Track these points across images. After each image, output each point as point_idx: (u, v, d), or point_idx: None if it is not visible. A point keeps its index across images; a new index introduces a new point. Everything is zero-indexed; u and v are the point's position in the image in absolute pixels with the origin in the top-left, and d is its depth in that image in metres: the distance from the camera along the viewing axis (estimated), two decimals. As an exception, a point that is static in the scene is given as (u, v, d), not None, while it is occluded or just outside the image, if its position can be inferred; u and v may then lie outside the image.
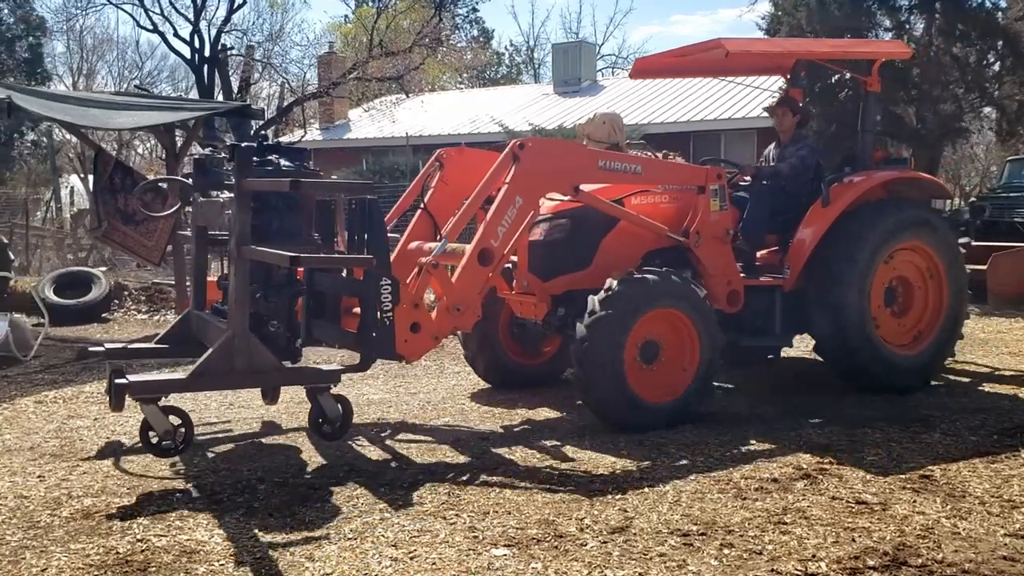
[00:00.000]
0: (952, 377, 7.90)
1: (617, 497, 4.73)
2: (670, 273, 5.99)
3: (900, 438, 5.80)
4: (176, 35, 24.27)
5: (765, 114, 8.05)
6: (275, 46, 28.67)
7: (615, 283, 5.85)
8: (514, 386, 7.26)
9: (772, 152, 7.62)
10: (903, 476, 5.01)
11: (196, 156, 5.93)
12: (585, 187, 6.34)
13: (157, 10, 23.93)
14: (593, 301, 5.82)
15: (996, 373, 8.08)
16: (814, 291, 6.82)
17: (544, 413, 6.65)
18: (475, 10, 48.82)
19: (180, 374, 5.29)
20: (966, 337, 8.02)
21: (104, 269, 14.25)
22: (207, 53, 23.69)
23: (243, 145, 5.14)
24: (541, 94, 28.82)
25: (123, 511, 4.53)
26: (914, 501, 4.61)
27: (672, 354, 6.06)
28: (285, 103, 26.89)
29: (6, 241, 12.00)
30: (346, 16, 40.63)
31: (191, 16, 23.64)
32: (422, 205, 6.71)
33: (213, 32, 24.16)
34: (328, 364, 5.74)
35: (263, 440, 5.92)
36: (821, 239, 6.79)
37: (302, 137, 25.48)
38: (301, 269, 5.66)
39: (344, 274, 5.80)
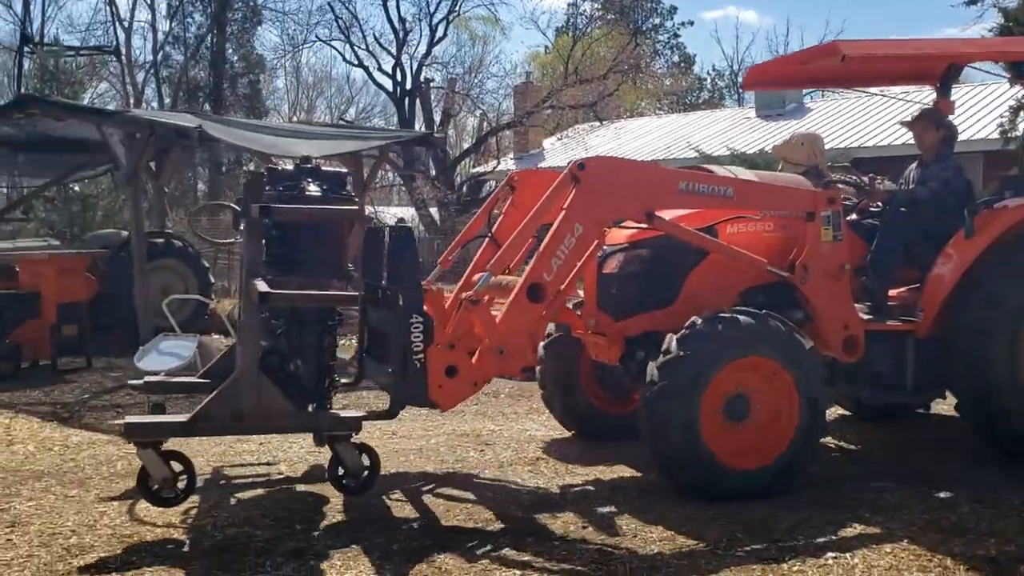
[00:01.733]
0: None
1: (795, 567, 4.10)
2: (765, 315, 5.13)
3: None
4: (380, 69, 25.28)
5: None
6: (475, 77, 29.31)
7: (697, 323, 5.05)
8: (598, 436, 6.42)
9: (913, 173, 6.56)
10: None
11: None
12: (669, 213, 5.58)
13: (363, 45, 25.00)
14: (668, 342, 5.03)
15: None
16: (953, 339, 5.72)
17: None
18: (676, 35, 48.25)
19: (181, 417, 4.79)
20: None
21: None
22: (408, 86, 24.47)
23: (259, 170, 4.82)
24: (743, 118, 27.71)
25: (260, 545, 4.36)
26: None
27: (765, 412, 5.14)
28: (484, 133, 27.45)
29: (207, 265, 12.64)
30: (546, 47, 41.12)
31: (394, 50, 24.54)
32: (489, 234, 6.01)
33: (415, 66, 24.96)
34: (349, 410, 5.18)
35: (407, 474, 5.67)
36: (963, 277, 5.69)
37: (495, 167, 25.76)
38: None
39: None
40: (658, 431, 4.96)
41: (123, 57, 30.00)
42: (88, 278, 10.25)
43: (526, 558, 4.26)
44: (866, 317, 5.81)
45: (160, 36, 32.10)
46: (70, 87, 17.29)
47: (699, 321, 5.04)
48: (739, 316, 5.07)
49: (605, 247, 5.77)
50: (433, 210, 24.73)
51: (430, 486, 5.46)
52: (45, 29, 30.26)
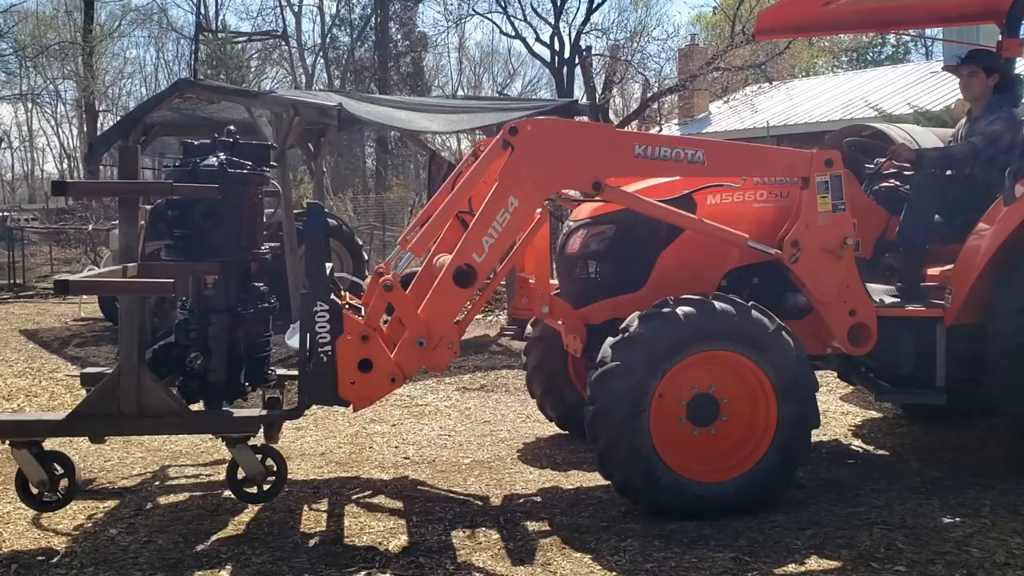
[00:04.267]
0: None
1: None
2: (748, 304, 4.42)
3: None
4: (538, 39, 24.89)
5: None
6: (636, 43, 28.46)
7: (669, 303, 4.39)
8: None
9: (962, 129, 5.50)
10: None
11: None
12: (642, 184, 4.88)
13: (521, 16, 24.69)
14: (631, 321, 4.41)
15: None
16: (990, 326, 4.78)
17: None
18: (856, -13, 45.20)
19: (57, 415, 4.42)
20: None
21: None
22: (566, 55, 24.02)
23: (123, 146, 4.39)
24: (928, 72, 25.58)
25: (371, 543, 4.17)
26: None
27: (738, 415, 4.45)
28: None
29: (362, 243, 12.76)
30: (712, 8, 39.51)
31: (552, 19, 24.10)
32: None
33: (573, 34, 24.45)
34: (249, 409, 4.64)
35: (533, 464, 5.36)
36: (998, 252, 4.73)
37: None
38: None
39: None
40: (601, 416, 4.32)
41: (292, 41, 31.10)
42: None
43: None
44: (889, 301, 4.96)
45: (327, 19, 33.07)
46: (238, 71, 17.97)
47: (671, 302, 4.39)
48: (715, 302, 4.38)
49: (569, 223, 5.21)
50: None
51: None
52: (219, 16, 31.75)
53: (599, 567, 3.82)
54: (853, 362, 5.03)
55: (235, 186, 4.47)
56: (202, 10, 29.07)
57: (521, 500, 4.74)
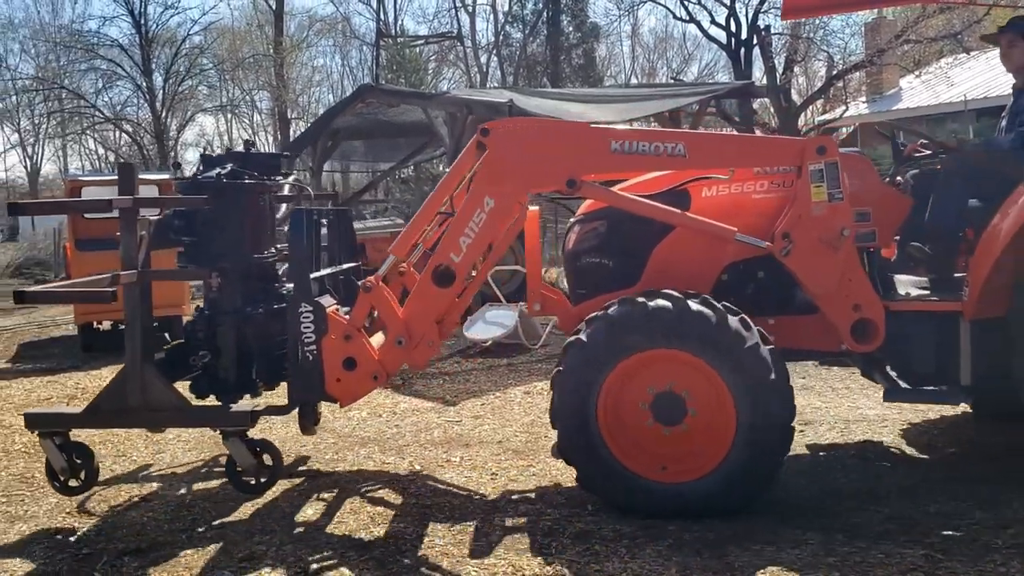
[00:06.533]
0: None
1: None
2: (667, 296, 4.23)
3: None
4: (713, 22, 24.27)
5: None
6: (818, 19, 27.25)
7: (585, 322, 4.36)
8: None
9: (1009, 106, 4.88)
10: None
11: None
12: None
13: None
14: (581, 324, 4.39)
15: None
16: (1012, 319, 4.25)
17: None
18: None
19: (75, 408, 4.74)
20: None
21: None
22: (743, 36, 23.32)
23: (124, 162, 4.51)
24: None
25: (548, 525, 4.26)
26: None
27: (703, 416, 4.23)
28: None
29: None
30: (902, -24, 37.23)
31: (727, 0, 23.44)
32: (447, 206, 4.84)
33: (750, 14, 23.68)
34: (245, 404, 4.78)
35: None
36: (1017, 236, 4.15)
37: (843, 112, 23.85)
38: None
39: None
40: (563, 437, 4.40)
41: (467, 41, 31.76)
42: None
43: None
44: (915, 294, 4.55)
45: (500, 17, 33.61)
46: (416, 74, 18.59)
47: (610, 304, 4.31)
48: (649, 301, 4.22)
49: (571, 220, 5.16)
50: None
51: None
52: (398, 22, 32.87)
53: (780, 560, 3.72)
54: (873, 359, 4.68)
55: (233, 195, 4.71)
56: (381, 16, 30.41)
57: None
